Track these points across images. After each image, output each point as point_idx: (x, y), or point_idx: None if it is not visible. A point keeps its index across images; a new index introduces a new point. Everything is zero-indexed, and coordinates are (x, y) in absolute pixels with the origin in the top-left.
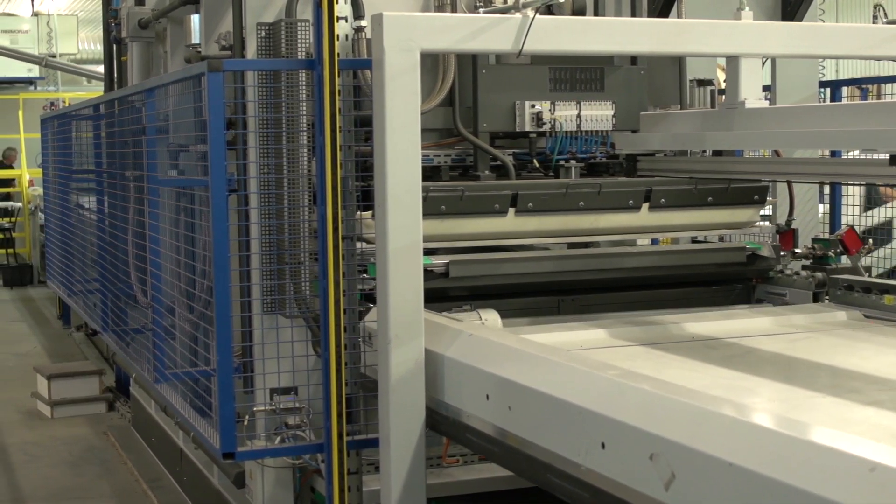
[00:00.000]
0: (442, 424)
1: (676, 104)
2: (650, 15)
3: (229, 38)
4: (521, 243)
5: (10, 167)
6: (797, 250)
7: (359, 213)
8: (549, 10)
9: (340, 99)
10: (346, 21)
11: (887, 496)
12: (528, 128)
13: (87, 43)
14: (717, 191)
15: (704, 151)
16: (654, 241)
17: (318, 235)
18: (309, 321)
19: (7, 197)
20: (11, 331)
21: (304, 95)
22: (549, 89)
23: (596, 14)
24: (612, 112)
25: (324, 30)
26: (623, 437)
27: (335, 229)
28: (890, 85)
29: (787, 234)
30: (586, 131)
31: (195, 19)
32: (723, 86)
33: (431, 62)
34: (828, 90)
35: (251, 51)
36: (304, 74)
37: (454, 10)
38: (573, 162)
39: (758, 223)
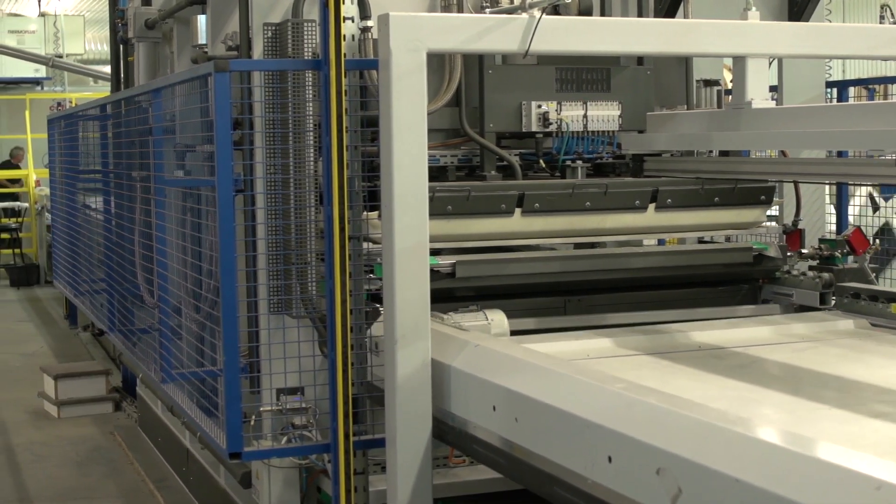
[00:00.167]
0: (448, 434)
1: (683, 104)
2: (656, 15)
3: (236, 39)
4: (528, 243)
5: (17, 167)
6: (804, 251)
7: (365, 213)
8: (555, 10)
9: (347, 99)
10: (353, 21)
11: None
12: (534, 128)
13: (93, 43)
14: (723, 191)
15: (711, 152)
16: (661, 242)
17: (325, 235)
18: (315, 321)
19: (14, 197)
20: (18, 331)
21: (311, 96)
22: (556, 89)
23: (602, 14)
24: (618, 112)
25: (330, 30)
26: (630, 451)
27: (342, 229)
28: None
29: (793, 235)
30: (593, 131)
31: (202, 20)
32: (729, 86)
33: (438, 62)
34: (834, 90)
35: (258, 51)
36: (310, 75)
37: (460, 10)
38: (579, 162)
39: (764, 223)
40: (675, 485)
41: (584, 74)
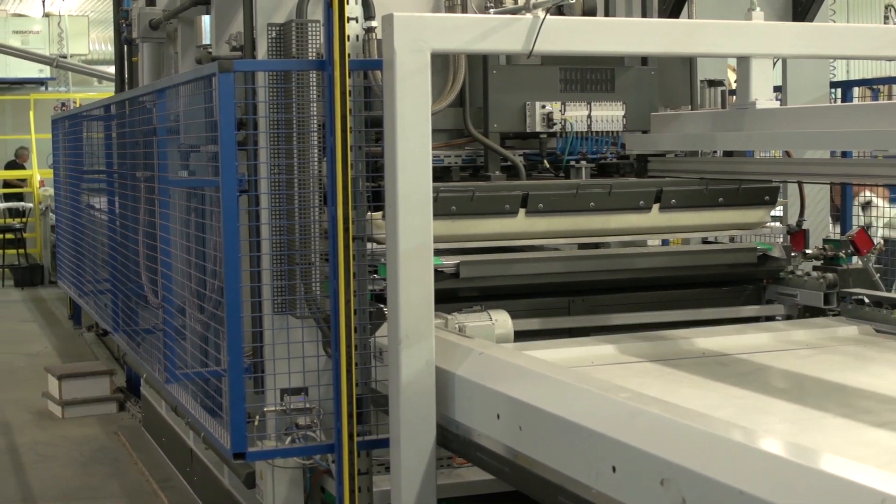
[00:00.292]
0: (452, 442)
1: (687, 105)
2: (661, 15)
3: (240, 39)
4: (532, 244)
5: (23, 167)
6: (808, 251)
7: (369, 213)
8: (559, 10)
9: (351, 99)
10: (357, 22)
11: None
12: (538, 128)
13: (97, 44)
14: (727, 191)
15: (715, 152)
16: (665, 242)
17: (329, 236)
18: (319, 322)
19: (19, 197)
20: (22, 331)
21: (315, 96)
22: (560, 90)
23: (606, 15)
24: (622, 112)
25: (334, 30)
26: (634, 461)
27: (346, 230)
28: None
29: (797, 235)
30: (597, 132)
31: (206, 20)
32: (733, 86)
33: (442, 63)
34: (839, 91)
35: (262, 51)
36: (314, 75)
37: (465, 10)
38: (584, 162)
39: (768, 224)
40: (680, 496)
41: (588, 75)
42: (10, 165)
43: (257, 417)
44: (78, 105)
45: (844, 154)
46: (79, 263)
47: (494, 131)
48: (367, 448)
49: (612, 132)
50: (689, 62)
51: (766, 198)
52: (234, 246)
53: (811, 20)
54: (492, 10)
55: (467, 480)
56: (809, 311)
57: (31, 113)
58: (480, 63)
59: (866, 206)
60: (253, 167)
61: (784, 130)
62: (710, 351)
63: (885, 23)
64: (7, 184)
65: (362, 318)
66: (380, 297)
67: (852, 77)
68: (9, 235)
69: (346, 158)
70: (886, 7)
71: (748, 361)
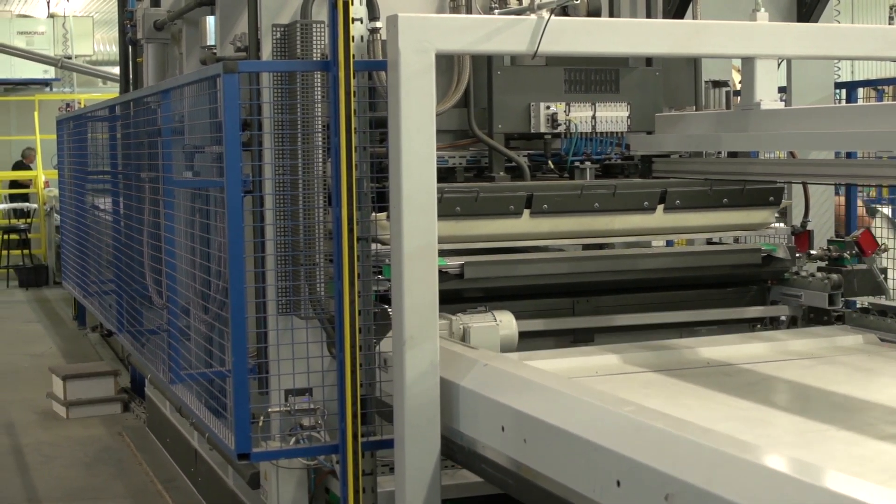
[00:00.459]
0: (457, 453)
1: (691, 105)
2: (665, 16)
3: (244, 40)
4: (536, 245)
5: (29, 167)
6: (812, 252)
7: (374, 214)
8: (564, 11)
9: (355, 100)
10: (362, 22)
11: None
12: (542, 129)
13: (102, 44)
14: (732, 192)
15: (720, 153)
16: (669, 243)
17: (334, 236)
18: (324, 322)
19: (24, 198)
20: (27, 331)
21: (320, 97)
22: (564, 90)
23: (611, 15)
24: (627, 113)
25: (339, 31)
26: (638, 476)
27: (350, 230)
28: None
29: (802, 236)
30: (601, 132)
31: (210, 21)
32: (738, 87)
33: (446, 63)
34: (843, 91)
35: (266, 52)
36: (319, 76)
37: (469, 11)
38: (588, 163)
39: (773, 225)
40: None
41: (593, 75)
42: (18, 166)
43: (262, 418)
44: (82, 106)
45: (849, 155)
46: (83, 264)
47: (499, 132)
48: (372, 449)
49: (617, 133)
50: (693, 63)
51: (771, 198)
52: (239, 246)
53: (816, 21)
54: (496, 11)
55: (472, 481)
56: (814, 312)
57: (36, 114)
58: (485, 64)
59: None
60: (257, 168)
61: (788, 131)
62: (715, 360)
63: (889, 23)
64: (15, 184)
65: (367, 319)
66: (384, 298)
67: (857, 78)
68: (14, 236)
69: (350, 159)
70: (891, 7)
71: (752, 371)
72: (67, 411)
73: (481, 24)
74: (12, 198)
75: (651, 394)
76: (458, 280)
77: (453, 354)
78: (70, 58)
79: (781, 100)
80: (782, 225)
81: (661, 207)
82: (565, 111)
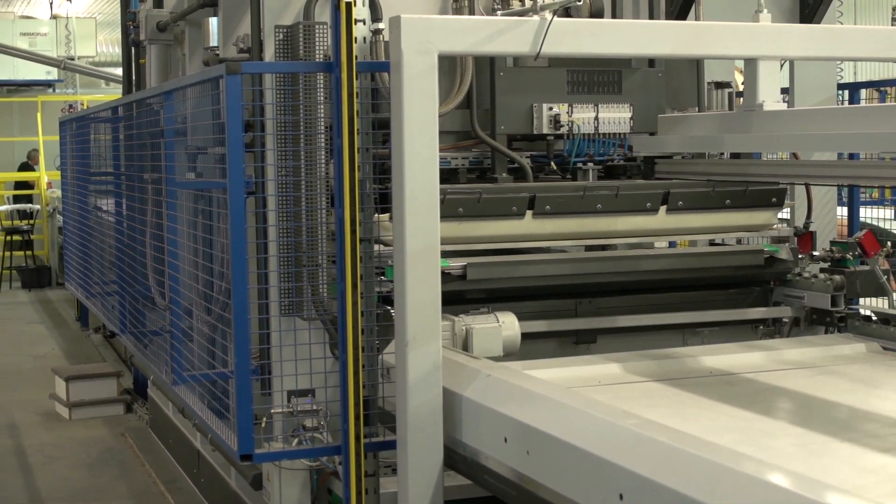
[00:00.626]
0: (460, 464)
1: (694, 106)
2: (668, 17)
3: (247, 41)
4: (539, 246)
5: (34, 169)
6: (815, 253)
7: (376, 215)
8: (566, 12)
9: (358, 101)
10: (364, 24)
11: None
12: (545, 130)
13: (105, 45)
14: (734, 193)
15: (722, 154)
16: (672, 244)
17: (336, 238)
18: (326, 323)
19: (27, 199)
20: (30, 332)
21: (322, 98)
22: (567, 91)
23: (613, 16)
24: (629, 114)
25: (342, 32)
26: (641, 490)
27: (353, 231)
28: None
29: (805, 237)
30: (604, 133)
31: (213, 22)
32: (740, 88)
33: (449, 64)
34: (846, 92)
35: (269, 53)
36: (321, 77)
37: (472, 12)
38: (590, 164)
39: (776, 226)
40: None
41: (596, 77)
42: (23, 167)
43: (264, 419)
44: (85, 107)
45: (852, 156)
46: (86, 265)
47: (501, 133)
48: (374, 450)
49: (620, 134)
50: (696, 64)
51: (774, 200)
52: (241, 247)
53: (818, 22)
54: (499, 12)
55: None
56: (816, 314)
57: (39, 115)
58: (487, 65)
59: None
60: (260, 169)
61: (791, 132)
62: (717, 370)
63: (892, 24)
64: (20, 185)
65: (369, 320)
66: (387, 299)
67: (860, 79)
68: (16, 237)
69: (353, 160)
70: (894, 9)
71: (755, 381)
72: (70, 412)
73: (484, 26)
74: (15, 199)
75: (653, 404)
76: (460, 281)
77: (456, 364)
78: (73, 59)
79: (784, 101)
80: (786, 226)
81: (663, 209)
82: (568, 112)
